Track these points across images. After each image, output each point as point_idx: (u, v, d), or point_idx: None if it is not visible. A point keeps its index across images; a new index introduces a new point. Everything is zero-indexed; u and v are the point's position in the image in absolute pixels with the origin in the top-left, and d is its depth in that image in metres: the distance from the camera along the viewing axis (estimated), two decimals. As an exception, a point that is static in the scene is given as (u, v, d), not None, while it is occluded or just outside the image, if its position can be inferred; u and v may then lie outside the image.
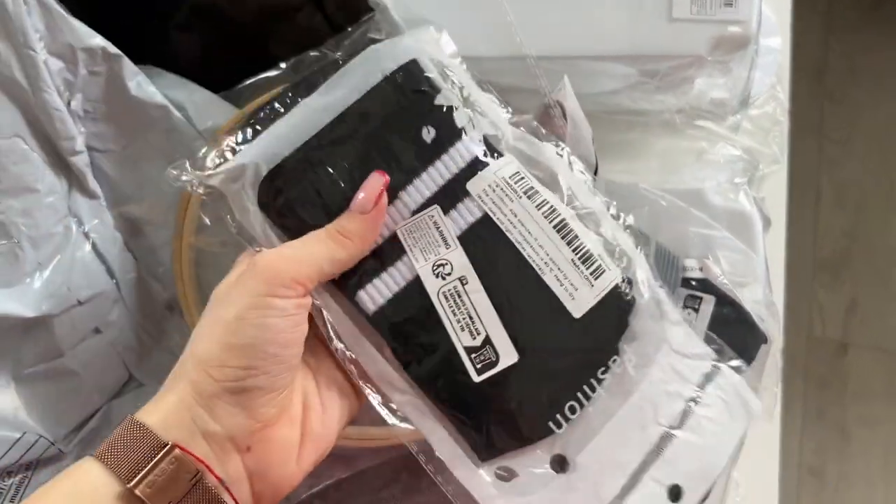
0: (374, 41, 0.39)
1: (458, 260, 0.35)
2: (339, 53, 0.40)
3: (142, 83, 0.42)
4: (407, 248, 0.35)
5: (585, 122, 0.44)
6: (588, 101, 0.48)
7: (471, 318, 0.35)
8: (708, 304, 0.46)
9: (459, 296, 0.35)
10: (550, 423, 0.35)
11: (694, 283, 0.46)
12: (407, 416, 0.35)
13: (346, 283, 0.35)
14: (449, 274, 0.35)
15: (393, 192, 0.35)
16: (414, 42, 0.37)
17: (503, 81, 0.48)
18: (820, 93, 1.56)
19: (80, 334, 0.42)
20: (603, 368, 0.36)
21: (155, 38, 0.46)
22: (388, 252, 0.35)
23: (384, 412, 0.35)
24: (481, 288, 0.35)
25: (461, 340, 0.35)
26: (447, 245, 0.35)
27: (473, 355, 0.34)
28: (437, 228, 0.35)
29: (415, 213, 0.35)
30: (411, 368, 0.35)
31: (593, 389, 0.36)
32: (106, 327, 0.43)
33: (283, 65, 0.45)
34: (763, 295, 0.48)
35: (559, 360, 0.35)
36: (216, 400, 0.31)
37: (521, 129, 0.39)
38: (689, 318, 0.46)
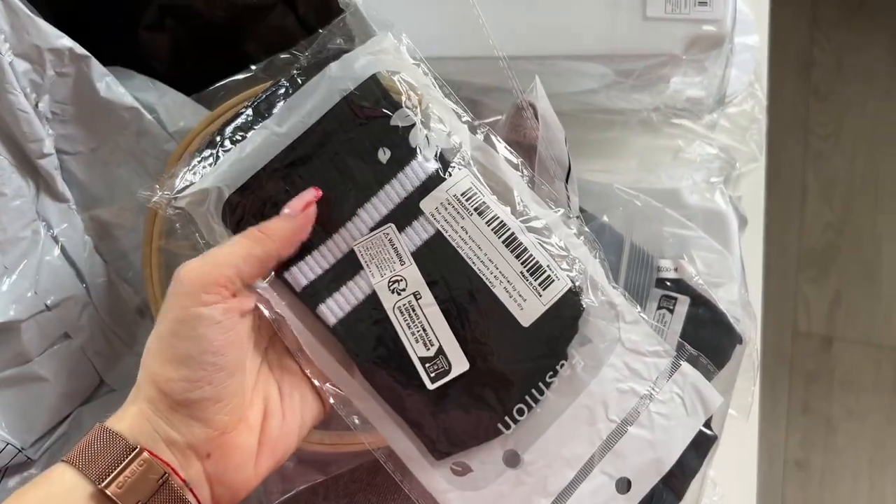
0: (342, 50, 0.40)
1: (412, 276, 0.37)
2: (307, 54, 0.40)
3: (111, 84, 0.42)
4: (364, 264, 0.37)
5: (557, 122, 0.43)
6: (565, 100, 0.48)
7: (424, 330, 0.37)
8: (682, 304, 0.46)
9: (413, 310, 0.37)
10: (499, 425, 0.37)
11: (669, 283, 0.46)
12: (368, 420, 0.37)
13: (308, 296, 0.37)
14: (403, 290, 0.37)
15: (351, 210, 0.37)
16: (371, 57, 0.39)
17: (477, 81, 0.48)
18: (805, 89, 1.56)
19: (49, 339, 0.41)
20: (551, 373, 0.38)
21: (124, 39, 0.46)
22: (346, 267, 0.37)
23: (348, 418, 0.37)
24: (434, 302, 0.37)
25: (416, 351, 0.37)
26: (402, 262, 0.37)
27: (427, 365, 0.37)
28: (393, 246, 0.37)
29: (372, 230, 0.37)
30: (370, 376, 0.37)
31: (541, 392, 0.38)
32: (76, 332, 0.43)
33: (253, 67, 0.45)
34: (739, 295, 0.48)
35: (509, 367, 0.37)
36: (171, 412, 0.32)
37: (487, 133, 0.40)
38: (664, 318, 0.46)
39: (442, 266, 0.37)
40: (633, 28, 0.47)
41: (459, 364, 0.37)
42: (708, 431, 0.45)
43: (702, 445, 0.46)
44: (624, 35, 0.47)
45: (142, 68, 0.47)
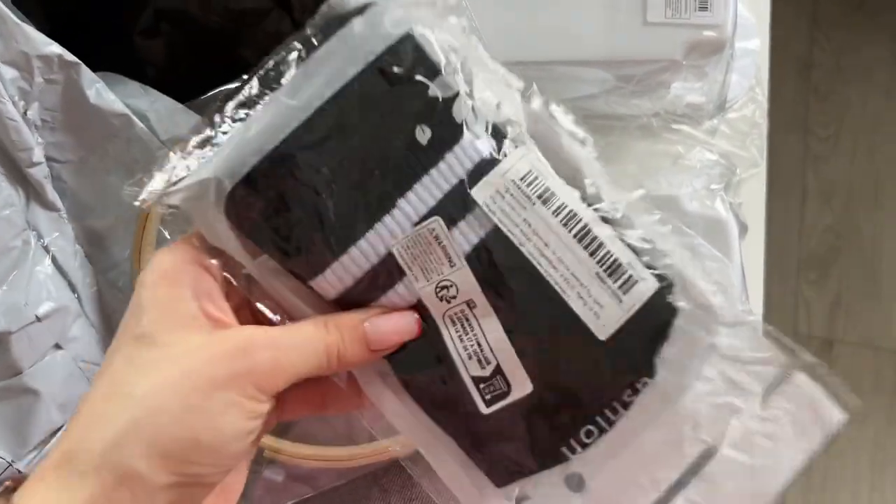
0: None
1: (465, 280, 0.31)
2: (309, 31, 0.32)
3: (101, 91, 0.41)
4: (406, 268, 0.31)
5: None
6: (564, 106, 0.47)
7: (479, 346, 0.31)
8: (682, 313, 0.46)
9: (467, 320, 0.31)
10: (564, 449, 0.32)
11: (668, 291, 0.46)
12: (415, 444, 0.32)
13: (339, 307, 0.32)
14: (454, 297, 0.31)
15: (387, 204, 0.31)
16: (403, 9, 0.31)
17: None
18: (805, 89, 1.56)
19: (40, 351, 0.41)
20: (629, 392, 0.32)
21: (117, 45, 0.45)
22: (385, 272, 0.31)
23: (382, 434, 0.33)
24: (492, 312, 0.31)
25: (468, 370, 0.31)
26: (451, 263, 0.31)
27: (482, 386, 0.31)
28: (440, 244, 0.31)
29: (415, 225, 0.31)
30: (416, 396, 0.32)
31: (616, 413, 0.32)
32: (67, 343, 0.42)
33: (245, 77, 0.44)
34: (739, 303, 0.47)
35: (579, 385, 0.31)
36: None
37: (545, 101, 0.34)
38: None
39: (501, 268, 0.31)
40: (632, 33, 0.46)
41: (521, 386, 0.31)
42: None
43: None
44: (624, 40, 0.46)
45: (135, 74, 0.47)
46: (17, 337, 0.40)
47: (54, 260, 0.41)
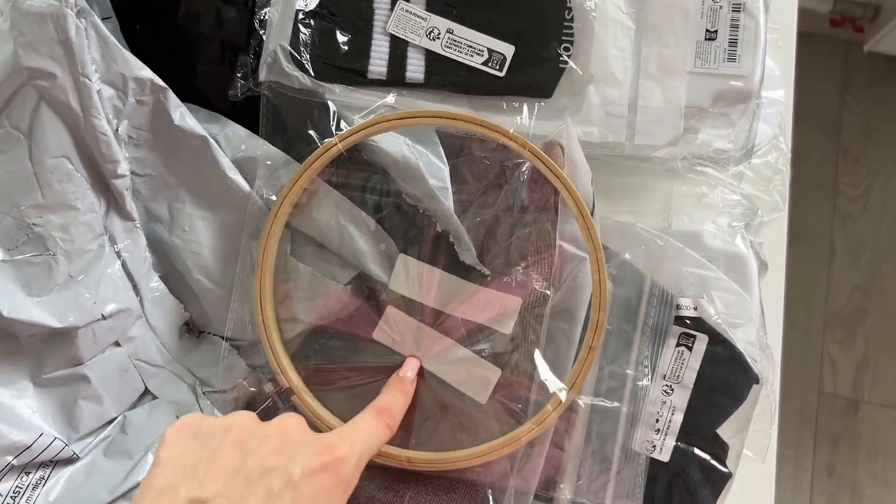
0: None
1: None
2: None
3: (184, 114, 0.46)
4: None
5: (585, 163, 0.46)
6: (594, 147, 0.50)
7: None
8: (701, 342, 0.48)
9: None
10: None
11: (688, 321, 0.48)
12: None
13: None
14: None
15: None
16: None
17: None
18: (835, 149, 1.58)
19: (101, 346, 0.44)
20: None
21: (183, 74, 0.50)
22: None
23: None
24: None
25: None
26: None
27: None
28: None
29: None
30: None
31: None
32: (125, 341, 0.45)
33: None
34: (757, 336, 0.49)
35: None
36: None
37: None
38: (683, 355, 0.48)
39: None
40: (662, 81, 0.49)
41: None
42: (723, 469, 0.46)
43: (717, 482, 0.47)
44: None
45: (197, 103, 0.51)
46: (83, 332, 0.43)
47: (124, 265, 0.45)
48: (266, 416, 0.36)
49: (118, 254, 0.45)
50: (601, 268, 0.43)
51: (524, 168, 0.46)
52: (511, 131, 0.45)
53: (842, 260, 1.52)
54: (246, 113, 0.50)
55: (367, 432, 0.39)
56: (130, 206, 0.45)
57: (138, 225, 0.46)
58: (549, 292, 0.45)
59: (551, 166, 0.44)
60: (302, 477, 0.32)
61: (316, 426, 0.44)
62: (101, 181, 0.44)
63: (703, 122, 0.51)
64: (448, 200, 0.46)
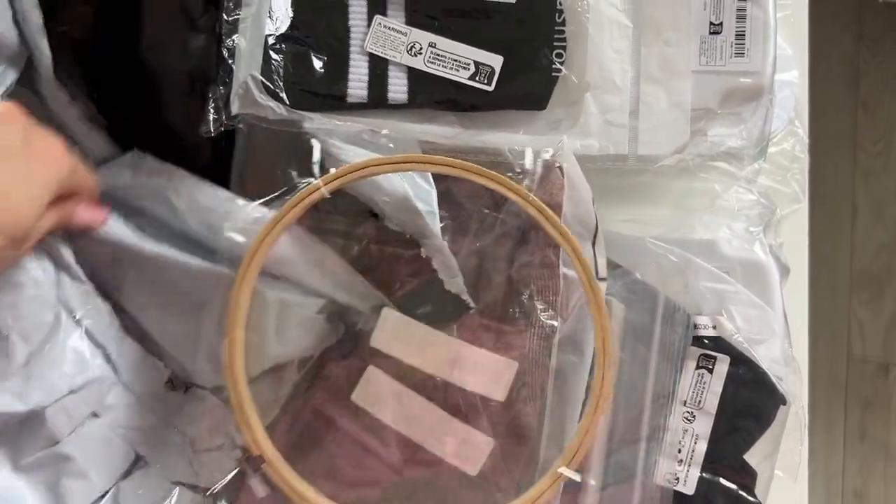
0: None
1: None
2: None
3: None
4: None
5: (585, 183, 0.42)
6: (595, 160, 0.46)
7: None
8: (722, 363, 0.44)
9: None
10: None
11: (707, 341, 0.45)
12: None
13: None
14: None
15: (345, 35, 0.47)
16: None
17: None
18: (852, 103, 1.52)
19: (77, 420, 0.42)
20: None
21: (151, 110, 0.46)
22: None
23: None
24: None
25: None
26: None
27: None
28: None
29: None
30: None
31: None
32: (104, 411, 0.43)
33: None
34: (782, 351, 0.46)
35: None
36: None
37: None
38: (703, 378, 0.45)
39: None
40: (665, 82, 0.45)
41: None
42: (751, 498, 0.43)
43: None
44: (656, 89, 0.46)
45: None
46: (53, 409, 0.40)
47: (87, 332, 0.42)
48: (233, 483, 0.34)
49: (78, 322, 0.42)
50: (606, 337, 0.40)
51: (523, 184, 0.43)
52: (514, 183, 0.41)
53: (865, 218, 1.47)
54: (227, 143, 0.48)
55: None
56: (80, 270, 0.42)
57: (92, 289, 0.43)
58: (555, 323, 0.42)
59: (558, 226, 0.41)
60: None
61: (291, 500, 0.41)
62: (46, 250, 0.41)
63: (712, 123, 0.47)
64: (435, 225, 0.43)
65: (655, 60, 0.45)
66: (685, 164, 0.50)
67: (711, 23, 0.45)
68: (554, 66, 0.45)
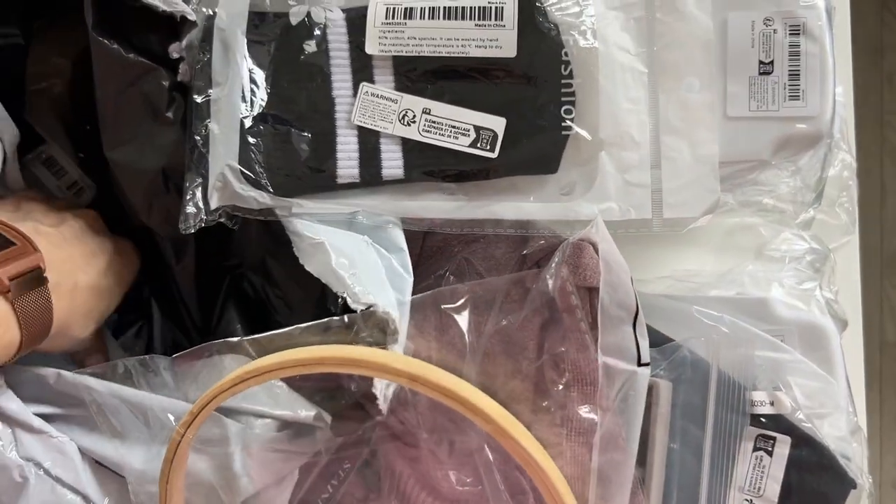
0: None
1: None
2: None
3: None
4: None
5: (622, 262, 0.38)
6: (615, 226, 0.41)
7: None
8: (783, 445, 0.40)
9: None
10: None
11: (764, 419, 0.40)
12: None
13: None
14: None
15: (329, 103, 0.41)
16: None
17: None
18: (878, 77, 1.45)
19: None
20: None
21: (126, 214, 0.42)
22: None
23: None
24: None
25: None
26: None
27: None
28: None
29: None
30: None
31: None
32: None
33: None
34: (847, 424, 0.41)
35: None
36: None
37: None
38: (762, 461, 0.40)
39: None
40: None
41: None
42: None
43: None
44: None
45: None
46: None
47: (60, 481, 0.38)
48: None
49: (48, 473, 0.37)
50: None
51: (552, 266, 0.38)
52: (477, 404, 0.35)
53: (895, 197, 1.42)
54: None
55: None
56: (38, 420, 0.38)
57: (55, 434, 0.38)
58: (595, 417, 0.38)
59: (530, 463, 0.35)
60: None
61: None
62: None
63: (764, 172, 0.42)
64: (405, 315, 0.39)
65: (676, 109, 0.40)
66: (730, 206, 0.46)
67: (761, 62, 0.40)
68: (563, 125, 0.40)
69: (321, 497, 0.40)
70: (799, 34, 0.39)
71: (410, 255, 0.41)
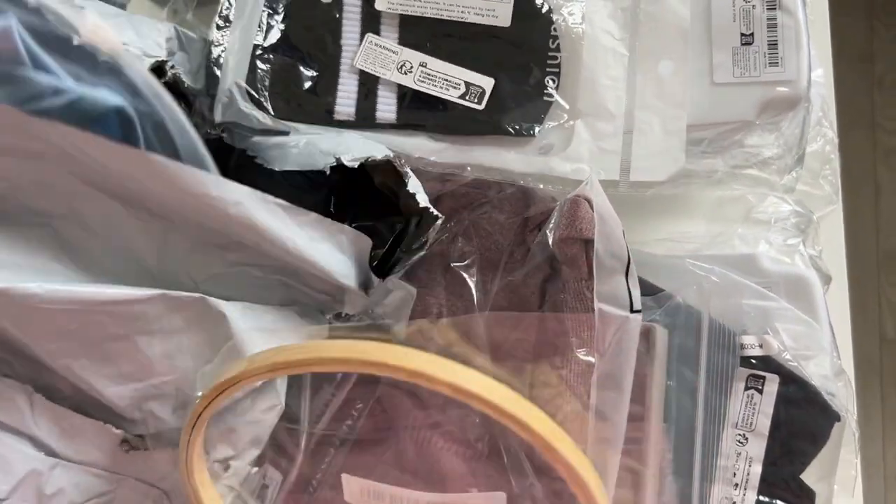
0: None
1: None
2: None
3: None
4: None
5: (615, 216, 0.41)
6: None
7: None
8: (772, 383, 0.43)
9: None
10: None
11: (754, 361, 0.44)
12: None
13: None
14: None
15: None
16: None
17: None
18: (868, 82, 1.49)
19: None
20: None
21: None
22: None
23: None
24: None
25: None
26: None
27: None
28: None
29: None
30: None
31: None
32: (48, 501, 0.38)
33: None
34: (831, 366, 0.45)
35: None
36: None
37: None
38: (753, 399, 0.44)
39: None
40: (700, 95, 0.45)
41: None
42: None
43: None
44: (691, 103, 0.45)
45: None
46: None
47: (2, 426, 0.38)
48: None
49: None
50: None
51: (551, 222, 0.42)
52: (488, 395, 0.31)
53: (889, 197, 1.45)
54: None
55: None
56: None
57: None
58: (592, 359, 0.41)
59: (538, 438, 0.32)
60: None
61: None
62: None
63: (750, 134, 0.46)
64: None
65: (651, 89, 0.44)
66: (718, 176, 0.49)
67: (742, 34, 0.44)
68: (546, 91, 0.44)
69: (339, 435, 0.44)
70: (775, 8, 0.44)
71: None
